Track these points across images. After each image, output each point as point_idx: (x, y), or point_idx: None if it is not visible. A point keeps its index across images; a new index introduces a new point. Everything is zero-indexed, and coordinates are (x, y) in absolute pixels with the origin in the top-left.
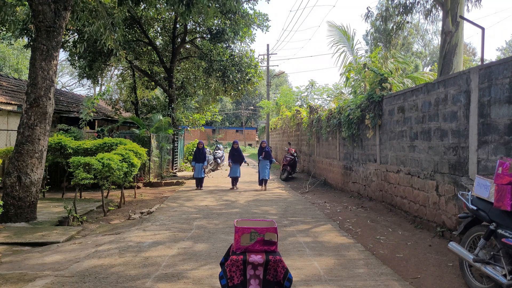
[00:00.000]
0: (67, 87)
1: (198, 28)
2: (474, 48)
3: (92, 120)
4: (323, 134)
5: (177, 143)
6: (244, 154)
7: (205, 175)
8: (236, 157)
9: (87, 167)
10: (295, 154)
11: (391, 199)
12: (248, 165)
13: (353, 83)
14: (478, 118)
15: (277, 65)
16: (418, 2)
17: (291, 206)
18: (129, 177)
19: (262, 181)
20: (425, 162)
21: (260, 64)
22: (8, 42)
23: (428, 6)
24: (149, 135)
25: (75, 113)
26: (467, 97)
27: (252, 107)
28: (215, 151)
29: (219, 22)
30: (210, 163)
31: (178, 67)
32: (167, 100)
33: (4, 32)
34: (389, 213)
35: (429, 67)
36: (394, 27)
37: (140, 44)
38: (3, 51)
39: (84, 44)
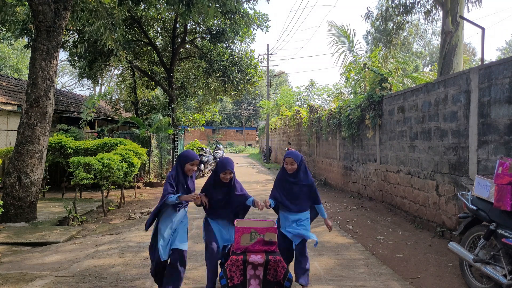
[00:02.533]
0: (67, 87)
1: (198, 28)
2: (474, 48)
3: (92, 120)
4: (323, 134)
5: (177, 143)
6: (244, 154)
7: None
8: (223, 201)
9: (87, 167)
10: None
11: (391, 199)
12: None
13: (353, 83)
14: (478, 118)
15: (277, 65)
16: (418, 2)
17: None
18: (129, 177)
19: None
20: (425, 162)
21: (260, 64)
22: (8, 42)
23: (428, 6)
24: (149, 135)
25: (75, 113)
26: (467, 97)
27: (252, 107)
28: (215, 151)
29: (219, 22)
30: (210, 163)
31: (178, 67)
32: (167, 100)
33: (4, 32)
34: (389, 213)
35: (429, 67)
36: (394, 27)
37: (140, 44)
38: (3, 51)
39: (84, 44)
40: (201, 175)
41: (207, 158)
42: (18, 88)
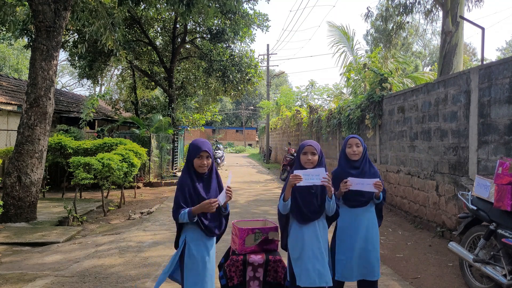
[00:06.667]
0: (67, 87)
1: (198, 28)
2: (474, 48)
3: (92, 120)
4: (323, 134)
5: (177, 143)
6: (244, 154)
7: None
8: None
9: (87, 167)
10: (295, 154)
11: (391, 199)
12: None
13: (353, 83)
14: (478, 118)
15: (277, 65)
16: (418, 2)
17: None
18: (129, 177)
19: None
20: (425, 162)
21: (260, 64)
22: (8, 42)
23: (428, 6)
24: (149, 135)
25: (75, 113)
26: (467, 97)
27: (252, 107)
28: (215, 151)
29: (219, 22)
30: None
31: (178, 67)
32: (167, 100)
33: (4, 32)
34: (389, 213)
35: (429, 67)
36: (394, 27)
37: (140, 44)
38: (3, 51)
39: (85, 45)
40: None
41: (221, 153)
42: (18, 88)
